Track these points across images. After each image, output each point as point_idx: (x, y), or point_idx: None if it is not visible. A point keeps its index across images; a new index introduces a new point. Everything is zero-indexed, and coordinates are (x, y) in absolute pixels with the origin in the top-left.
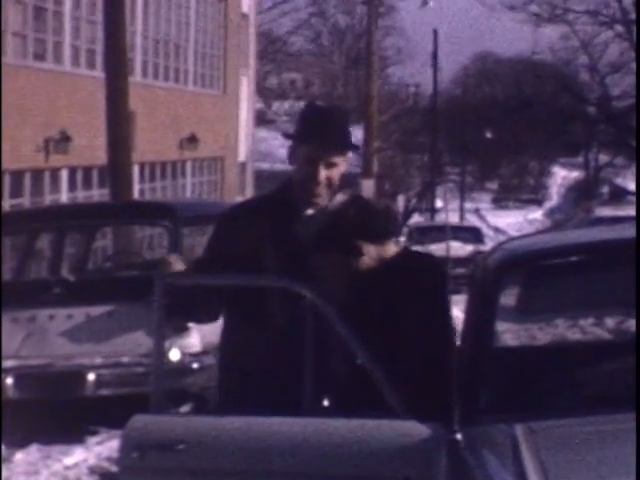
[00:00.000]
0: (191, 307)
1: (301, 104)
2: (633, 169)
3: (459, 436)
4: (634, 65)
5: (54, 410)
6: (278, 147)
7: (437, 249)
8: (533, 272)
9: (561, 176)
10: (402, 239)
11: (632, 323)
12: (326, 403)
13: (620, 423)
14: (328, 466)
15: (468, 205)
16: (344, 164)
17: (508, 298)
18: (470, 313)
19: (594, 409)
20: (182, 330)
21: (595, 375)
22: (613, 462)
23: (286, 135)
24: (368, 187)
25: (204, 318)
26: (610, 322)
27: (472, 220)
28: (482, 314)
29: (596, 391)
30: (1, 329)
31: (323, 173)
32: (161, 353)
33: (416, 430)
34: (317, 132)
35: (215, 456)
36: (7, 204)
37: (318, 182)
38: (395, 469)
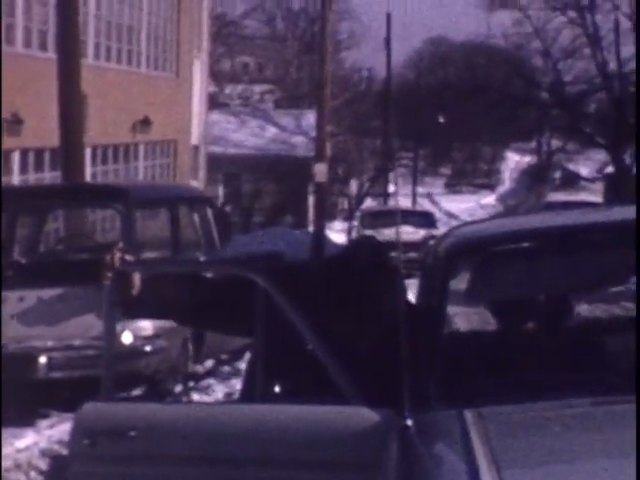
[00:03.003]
0: None
1: (254, 88)
2: (585, 154)
3: (410, 422)
4: (587, 50)
5: (5, 393)
6: (231, 131)
7: (389, 233)
8: (484, 257)
9: (514, 161)
10: (355, 223)
11: (583, 308)
12: (277, 389)
13: (570, 408)
14: (279, 452)
15: (421, 190)
16: None
17: (459, 283)
18: (421, 298)
19: (544, 395)
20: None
21: (546, 360)
22: (562, 447)
23: None
24: (321, 171)
25: None
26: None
27: (425, 205)
28: (433, 299)
29: (547, 377)
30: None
31: None
32: (111, 342)
33: (367, 416)
34: None
35: (166, 442)
36: None
37: None
38: (346, 455)
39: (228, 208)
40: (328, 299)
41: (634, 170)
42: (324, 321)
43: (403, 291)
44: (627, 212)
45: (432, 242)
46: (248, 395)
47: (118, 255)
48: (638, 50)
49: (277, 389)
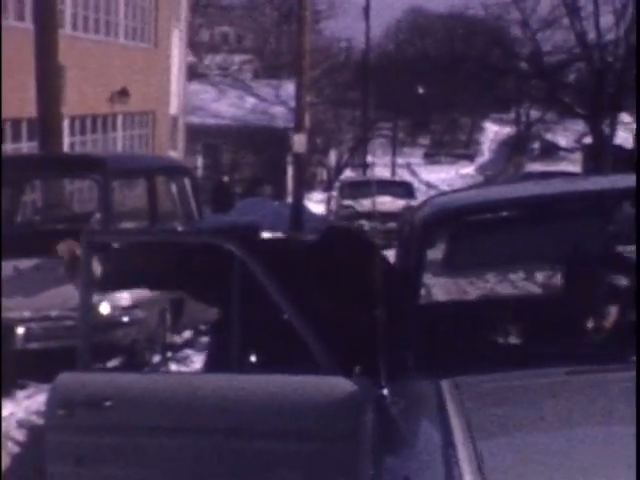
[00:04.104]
0: None
1: (233, 58)
2: (563, 125)
3: (386, 391)
4: (565, 21)
5: None
6: (210, 101)
7: (367, 204)
8: (461, 227)
9: (493, 131)
10: (334, 194)
11: (558, 277)
12: (253, 359)
13: (545, 378)
14: (255, 422)
15: (400, 160)
16: None
17: (437, 253)
18: (398, 267)
19: (520, 364)
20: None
21: (523, 330)
22: (537, 417)
23: None
24: (300, 142)
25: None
26: (540, 277)
27: (404, 175)
28: (410, 269)
29: (523, 346)
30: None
31: None
32: (87, 313)
33: (343, 385)
34: None
35: (143, 413)
36: None
37: None
38: (322, 424)
39: (227, 179)
40: (304, 268)
41: (613, 140)
42: (300, 291)
43: (380, 262)
44: (603, 182)
45: (408, 212)
46: (214, 365)
47: (68, 250)
48: (638, 20)
49: (253, 359)
